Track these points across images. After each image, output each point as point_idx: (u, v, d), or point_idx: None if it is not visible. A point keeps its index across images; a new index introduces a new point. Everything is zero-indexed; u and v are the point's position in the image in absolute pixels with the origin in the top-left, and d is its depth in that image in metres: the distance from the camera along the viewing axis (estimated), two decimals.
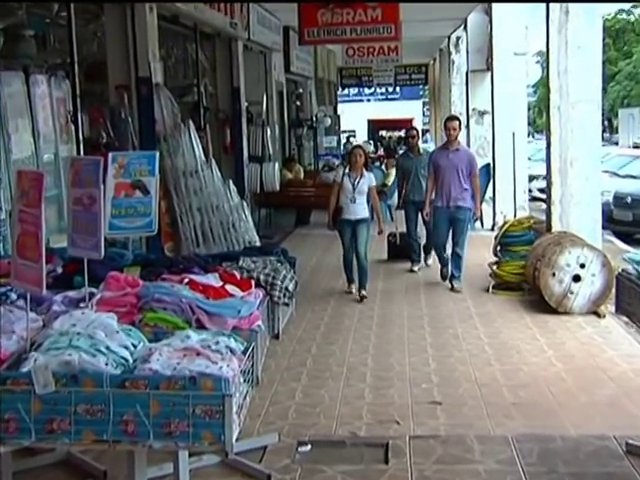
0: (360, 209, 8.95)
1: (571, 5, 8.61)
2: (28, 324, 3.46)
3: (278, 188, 14.28)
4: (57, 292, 4.29)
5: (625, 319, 6.72)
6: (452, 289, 9.30)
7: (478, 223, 12.22)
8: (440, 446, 4.90)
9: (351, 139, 30.96)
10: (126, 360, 3.33)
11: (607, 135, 46.87)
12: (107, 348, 3.29)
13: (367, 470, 4.62)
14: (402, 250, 10.95)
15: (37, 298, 3.95)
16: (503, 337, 7.36)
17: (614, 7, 48.00)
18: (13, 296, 4.10)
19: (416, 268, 10.50)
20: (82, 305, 3.95)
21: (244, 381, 3.48)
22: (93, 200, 3.81)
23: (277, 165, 14.50)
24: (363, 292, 8.98)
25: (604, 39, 35.68)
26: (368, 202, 9.08)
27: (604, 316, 7.90)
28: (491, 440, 5.02)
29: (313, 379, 6.32)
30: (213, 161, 10.12)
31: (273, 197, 14.65)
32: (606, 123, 47.62)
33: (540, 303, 8.27)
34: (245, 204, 10.46)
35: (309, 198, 15.44)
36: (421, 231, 10.72)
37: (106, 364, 3.24)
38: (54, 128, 7.82)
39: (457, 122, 9.36)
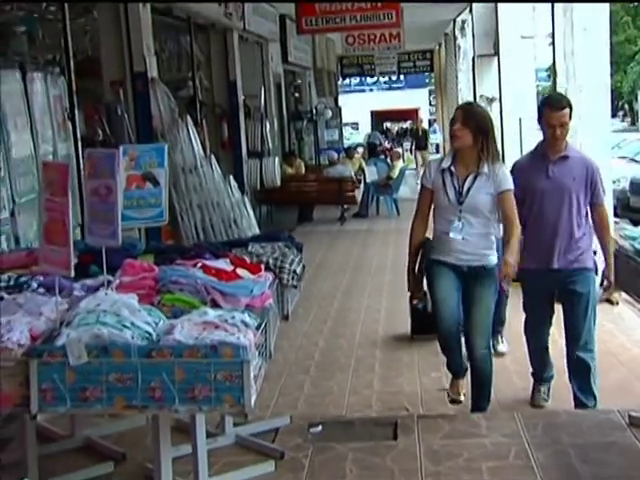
0: (478, 244, 5.11)
1: None
2: (57, 304, 4.04)
3: (279, 184, 14.78)
4: (75, 281, 4.80)
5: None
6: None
7: None
8: (447, 423, 5.45)
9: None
10: (150, 334, 3.89)
11: (629, 119, 47.14)
12: (132, 324, 3.86)
13: (377, 446, 5.16)
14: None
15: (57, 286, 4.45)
16: (513, 326, 7.81)
17: None
18: (34, 284, 4.64)
19: None
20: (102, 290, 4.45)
21: (258, 354, 4.03)
22: (109, 190, 4.35)
23: (277, 160, 14.98)
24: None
25: (622, 18, 36.25)
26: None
27: (617, 303, 8.38)
28: (497, 417, 5.59)
29: (321, 371, 6.88)
30: (212, 157, 10.62)
31: (274, 193, 15.12)
32: (626, 107, 47.81)
33: None
34: (246, 200, 10.96)
35: (311, 193, 15.98)
36: None
37: (132, 337, 3.80)
38: (52, 126, 8.26)
39: (568, 110, 5.54)
